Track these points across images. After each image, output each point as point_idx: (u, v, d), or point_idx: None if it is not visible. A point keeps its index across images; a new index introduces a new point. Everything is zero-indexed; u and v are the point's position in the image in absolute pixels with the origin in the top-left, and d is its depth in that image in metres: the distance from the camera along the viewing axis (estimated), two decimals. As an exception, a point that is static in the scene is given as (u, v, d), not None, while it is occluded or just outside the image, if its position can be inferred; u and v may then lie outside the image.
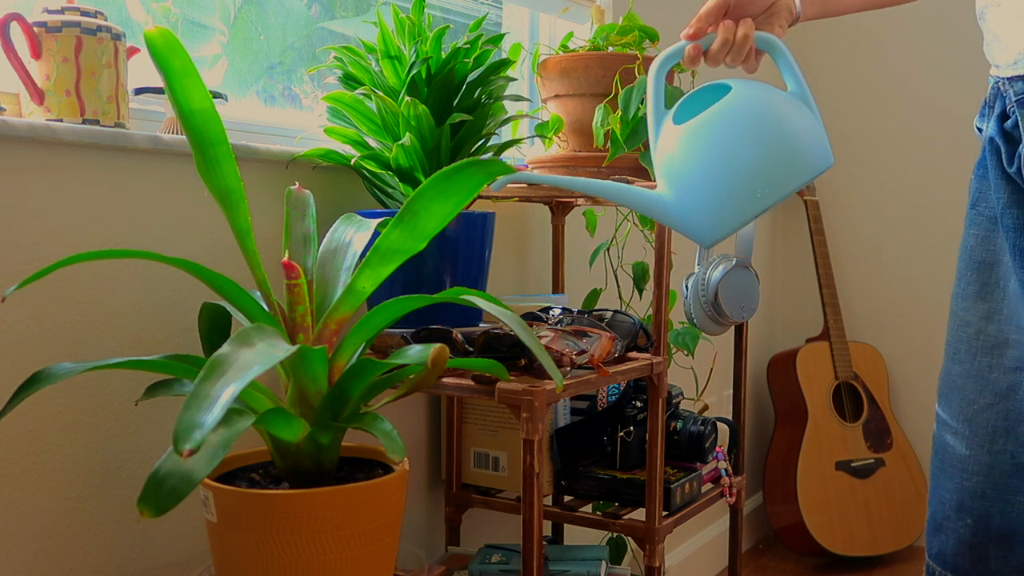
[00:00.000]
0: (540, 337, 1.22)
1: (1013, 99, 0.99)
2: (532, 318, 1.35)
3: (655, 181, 1.04)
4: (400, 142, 1.29)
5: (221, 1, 1.50)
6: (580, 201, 1.77)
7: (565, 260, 1.85)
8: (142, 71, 1.32)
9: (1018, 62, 0.98)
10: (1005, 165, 1.02)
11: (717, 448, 1.66)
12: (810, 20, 1.10)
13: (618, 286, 2.01)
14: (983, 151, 1.07)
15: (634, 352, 1.43)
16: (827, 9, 1.10)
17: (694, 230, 1.01)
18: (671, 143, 1.01)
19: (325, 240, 1.14)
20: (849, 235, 2.98)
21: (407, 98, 1.27)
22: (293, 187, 1.18)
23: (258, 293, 1.09)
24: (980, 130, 1.09)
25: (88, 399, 1.15)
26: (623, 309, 1.82)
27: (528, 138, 1.56)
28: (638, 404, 1.57)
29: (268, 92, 1.59)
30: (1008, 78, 1.00)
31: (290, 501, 0.93)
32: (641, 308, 2.13)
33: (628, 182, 1.43)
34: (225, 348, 0.78)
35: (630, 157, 1.48)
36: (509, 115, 1.43)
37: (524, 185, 1.53)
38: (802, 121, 0.99)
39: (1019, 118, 0.99)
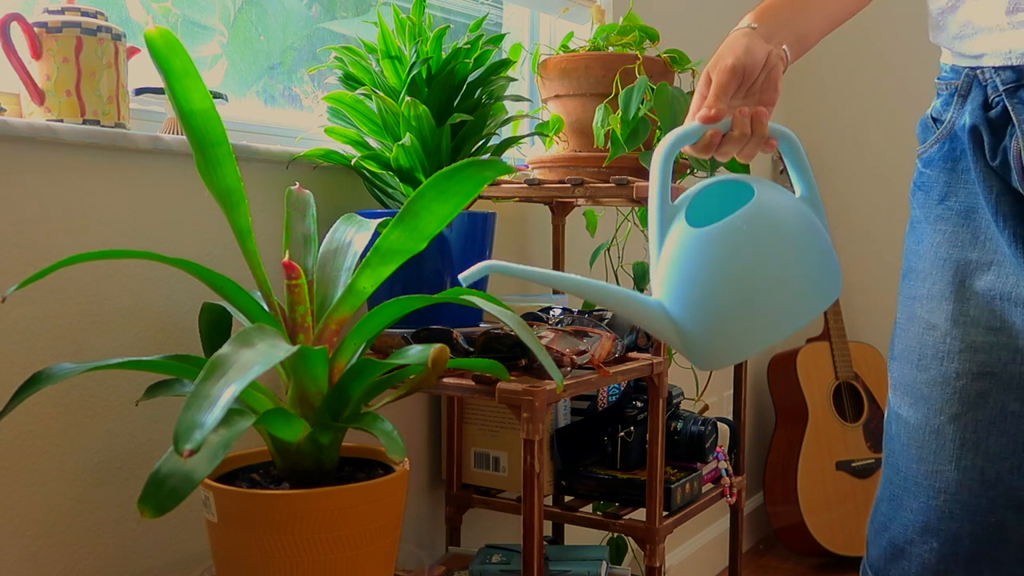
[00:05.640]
0: (540, 337, 1.22)
1: (1001, 88, 0.97)
2: (532, 318, 1.35)
3: (653, 287, 0.92)
4: (400, 142, 1.29)
5: (221, 1, 1.50)
6: (580, 201, 1.77)
7: (565, 260, 1.85)
8: (142, 71, 1.32)
9: (1011, 53, 0.96)
10: (988, 159, 0.99)
11: (717, 448, 1.66)
12: (793, 63, 1.02)
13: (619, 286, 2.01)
14: (948, 142, 1.03)
15: (634, 352, 1.43)
16: (803, 46, 1.03)
17: (695, 352, 0.89)
18: (683, 247, 0.87)
19: (325, 240, 1.14)
20: (849, 235, 2.98)
21: (407, 98, 1.27)
22: (293, 187, 1.18)
23: (258, 293, 1.09)
24: (936, 120, 1.05)
25: (88, 399, 1.15)
26: (623, 309, 1.82)
27: (528, 135, 1.56)
28: (638, 404, 1.57)
29: (268, 92, 1.59)
30: (994, 67, 0.98)
31: (290, 501, 0.93)
32: (641, 308, 2.13)
33: (628, 183, 1.43)
34: (225, 348, 0.78)
35: (630, 157, 1.48)
36: (509, 115, 1.43)
37: (524, 184, 1.53)
38: (821, 243, 0.88)
39: (1010, 107, 0.97)
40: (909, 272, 1.08)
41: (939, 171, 1.05)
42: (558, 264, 1.81)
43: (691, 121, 0.93)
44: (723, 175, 0.94)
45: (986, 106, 0.99)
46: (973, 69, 1.00)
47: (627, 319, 1.03)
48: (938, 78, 1.07)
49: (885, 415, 1.11)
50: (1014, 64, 0.95)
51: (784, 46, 0.97)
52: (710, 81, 0.93)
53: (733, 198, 0.90)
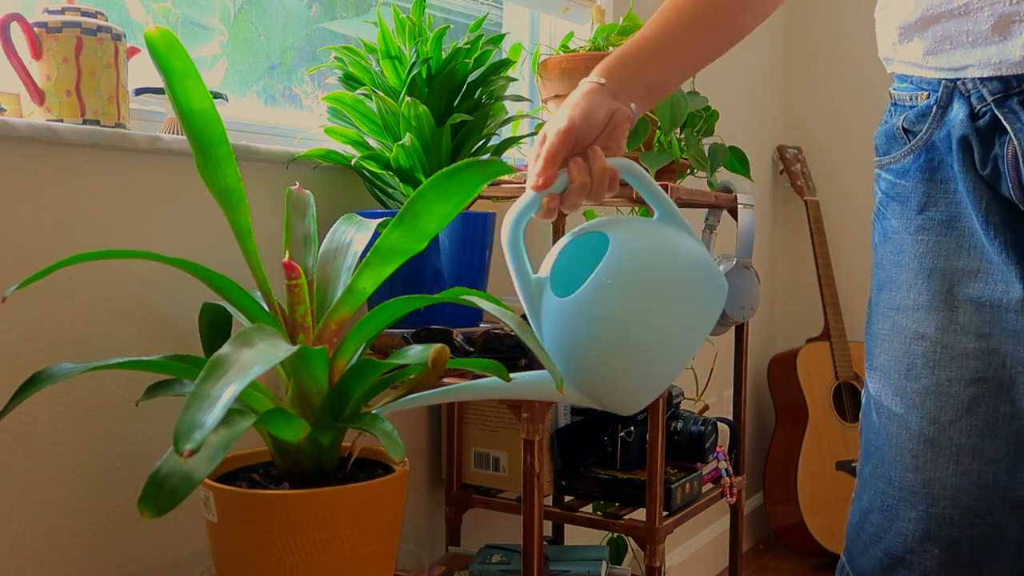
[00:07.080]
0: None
1: (988, 98, 0.98)
2: (532, 318, 1.35)
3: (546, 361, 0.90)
4: (400, 142, 1.29)
5: (221, 1, 1.50)
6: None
7: (565, 260, 1.85)
8: (142, 71, 1.32)
9: (1001, 63, 0.97)
10: (978, 167, 0.99)
11: (717, 448, 1.66)
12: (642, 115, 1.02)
13: (618, 286, 2.01)
14: (925, 153, 1.04)
15: (634, 352, 1.43)
16: (655, 96, 1.03)
17: (610, 406, 0.90)
18: (558, 321, 0.88)
19: (325, 240, 1.14)
20: (849, 235, 2.98)
21: (407, 98, 1.27)
22: (293, 187, 1.18)
23: (258, 293, 1.09)
24: (909, 132, 1.05)
25: (88, 399, 1.14)
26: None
27: (528, 135, 1.56)
28: (638, 404, 1.57)
29: (268, 92, 1.59)
30: (979, 78, 0.99)
31: (291, 501, 0.93)
32: (641, 308, 2.13)
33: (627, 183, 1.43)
34: (226, 348, 0.78)
35: (630, 157, 1.48)
36: (510, 115, 1.43)
37: (524, 184, 1.53)
38: (690, 260, 0.88)
39: (1000, 116, 0.97)
40: (888, 283, 1.08)
41: (916, 182, 1.05)
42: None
43: (528, 186, 0.93)
44: (577, 229, 0.94)
45: (973, 116, 0.99)
46: (952, 80, 1.01)
47: (538, 400, 1.04)
48: (896, 88, 1.07)
49: (865, 426, 1.10)
50: (1003, 74, 0.96)
51: (632, 104, 0.98)
52: (546, 140, 0.93)
53: (594, 249, 0.90)
